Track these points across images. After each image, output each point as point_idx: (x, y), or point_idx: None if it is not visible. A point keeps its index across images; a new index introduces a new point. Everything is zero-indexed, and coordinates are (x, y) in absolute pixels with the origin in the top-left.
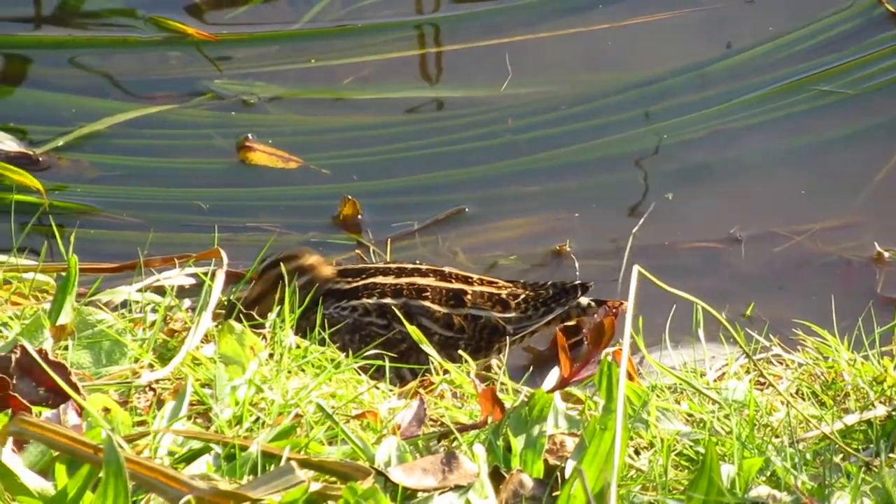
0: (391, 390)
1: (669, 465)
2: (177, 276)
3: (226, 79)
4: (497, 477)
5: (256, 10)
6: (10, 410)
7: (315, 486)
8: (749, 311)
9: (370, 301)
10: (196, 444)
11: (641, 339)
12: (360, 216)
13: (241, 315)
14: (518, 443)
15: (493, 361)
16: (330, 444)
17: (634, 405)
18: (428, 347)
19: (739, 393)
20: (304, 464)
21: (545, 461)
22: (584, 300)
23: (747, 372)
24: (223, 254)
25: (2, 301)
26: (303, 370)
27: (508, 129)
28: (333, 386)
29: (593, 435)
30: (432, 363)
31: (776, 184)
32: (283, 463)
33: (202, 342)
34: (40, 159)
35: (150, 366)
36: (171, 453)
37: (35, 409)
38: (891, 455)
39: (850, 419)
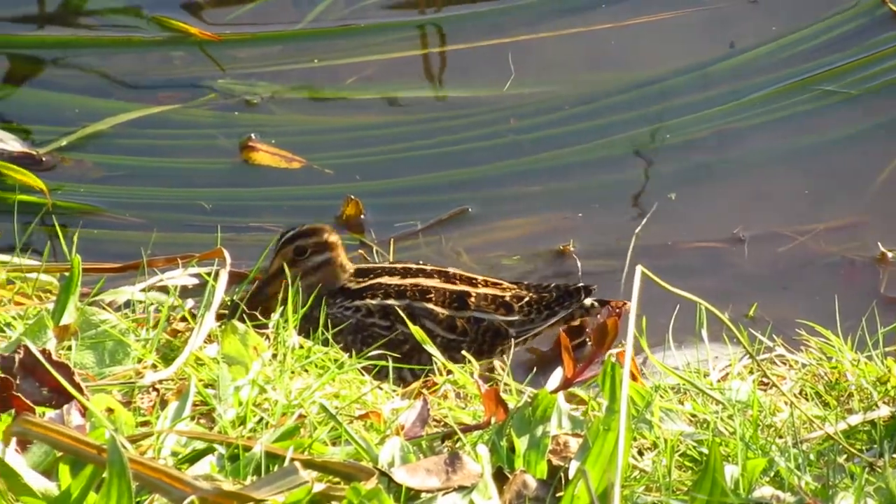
0: (394, 391)
1: (673, 465)
2: (180, 277)
3: (229, 78)
4: (500, 477)
5: (259, 9)
6: (13, 411)
7: (319, 487)
8: (752, 312)
9: (373, 302)
10: (199, 445)
11: (645, 339)
12: (363, 216)
13: (244, 315)
14: (521, 443)
15: (496, 362)
16: (333, 444)
17: (638, 406)
18: (431, 348)
19: (743, 393)
20: (308, 464)
21: (549, 462)
22: (587, 301)
23: (751, 372)
24: (226, 254)
25: (5, 301)
26: (306, 370)
27: (511, 128)
28: (337, 386)
29: (597, 435)
30: (435, 364)
31: (779, 184)
32: (286, 463)
33: (205, 342)
34: (44, 159)
35: (154, 366)
36: (174, 454)
37: (38, 409)
38: (894, 455)
39: (854, 419)
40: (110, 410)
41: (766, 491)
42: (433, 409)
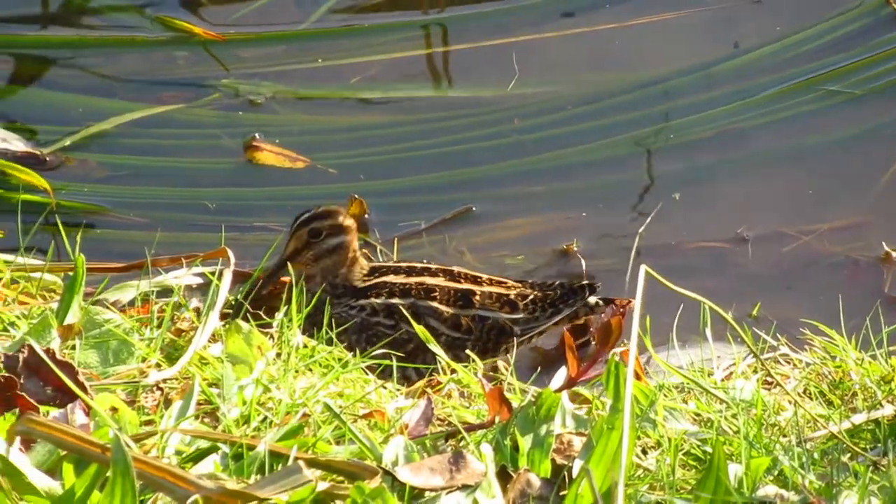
0: (398, 390)
1: (677, 464)
2: (184, 276)
3: (233, 78)
4: (504, 476)
5: (263, 9)
6: (17, 410)
7: (322, 486)
8: (756, 311)
9: (378, 301)
10: (203, 444)
11: (649, 338)
12: (367, 215)
13: (248, 314)
14: (525, 442)
15: (500, 362)
16: (337, 443)
17: (642, 405)
18: (435, 347)
19: (747, 392)
20: (312, 463)
21: (552, 460)
22: (591, 299)
23: (755, 371)
24: (230, 253)
25: (9, 300)
26: (310, 370)
27: (515, 128)
28: (341, 385)
29: (601, 434)
30: (439, 363)
31: (783, 183)
32: (290, 462)
33: (209, 342)
34: (47, 159)
35: (158, 365)
36: (178, 453)
37: (43, 408)
38: None
39: (858, 418)
40: (114, 409)
41: (769, 490)
42: (437, 408)
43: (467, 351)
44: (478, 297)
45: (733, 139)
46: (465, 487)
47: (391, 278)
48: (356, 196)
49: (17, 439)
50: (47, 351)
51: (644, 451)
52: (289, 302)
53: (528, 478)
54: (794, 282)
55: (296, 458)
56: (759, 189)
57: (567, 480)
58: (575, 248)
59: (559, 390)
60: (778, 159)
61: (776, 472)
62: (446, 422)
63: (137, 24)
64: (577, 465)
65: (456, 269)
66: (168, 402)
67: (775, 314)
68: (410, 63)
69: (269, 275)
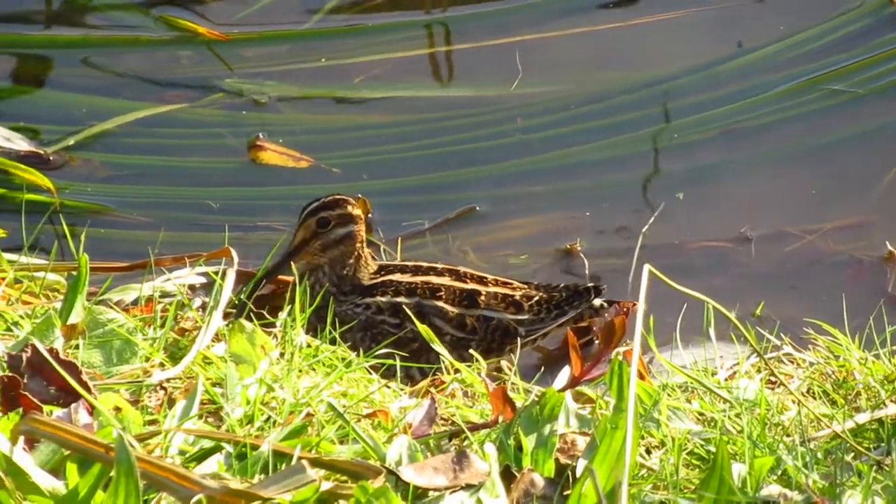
0: (402, 389)
1: (680, 463)
2: (187, 276)
3: (237, 78)
4: (508, 476)
5: (267, 9)
6: (21, 409)
7: (326, 485)
8: (759, 311)
9: (383, 299)
10: (207, 443)
11: (652, 338)
12: (370, 215)
13: (251, 314)
14: (529, 442)
15: (504, 362)
16: (341, 443)
17: (645, 404)
18: (439, 347)
19: (750, 392)
20: (315, 463)
21: (556, 460)
22: (597, 301)
23: (758, 371)
24: (234, 253)
25: (13, 300)
26: (314, 369)
27: (518, 128)
28: (344, 385)
29: (604, 434)
30: (443, 362)
31: (787, 183)
32: (294, 462)
33: (213, 341)
34: (51, 158)
35: (161, 365)
36: (182, 452)
37: (46, 408)
38: None
39: (862, 418)
40: (118, 409)
41: (773, 489)
42: (441, 408)
43: (471, 351)
44: (483, 298)
45: (737, 138)
46: (468, 487)
47: (397, 277)
48: (360, 195)
49: (21, 439)
50: (51, 350)
51: (648, 451)
52: (292, 301)
53: (531, 477)
54: (797, 281)
55: (299, 458)
56: (762, 188)
57: (571, 480)
58: (578, 248)
59: (563, 390)
60: (781, 159)
61: (780, 472)
62: (450, 421)
63: (141, 23)
64: (581, 464)
65: (462, 269)
66: (172, 402)
67: (779, 313)
68: (414, 62)
69: (276, 266)
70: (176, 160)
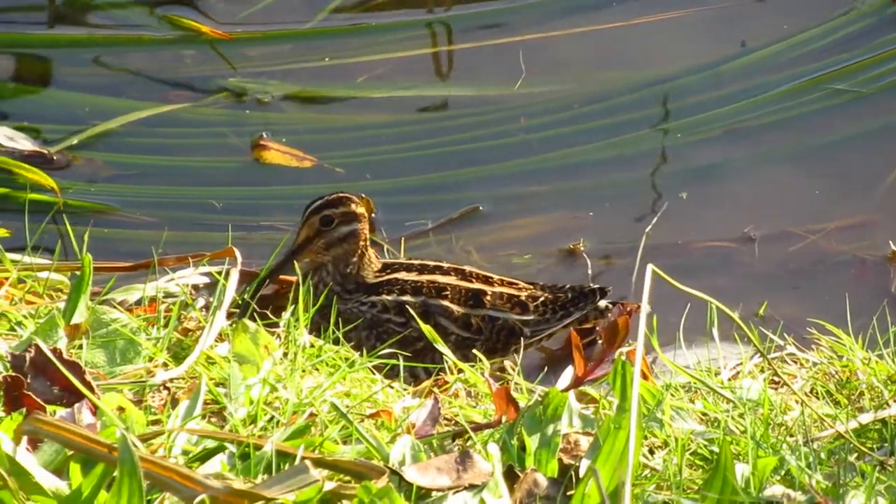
0: (405, 389)
1: (684, 464)
2: (191, 275)
3: (240, 77)
4: (511, 476)
5: (270, 8)
6: (24, 409)
7: (329, 486)
8: (763, 311)
9: (389, 298)
10: (210, 444)
11: (655, 338)
12: (374, 215)
13: (255, 314)
14: (532, 442)
15: (507, 362)
16: (344, 443)
17: (649, 404)
18: (442, 347)
19: (754, 392)
20: (319, 463)
21: (559, 460)
22: (602, 303)
23: (762, 371)
24: (237, 252)
25: (16, 300)
26: (317, 369)
27: (521, 127)
28: (348, 385)
29: (608, 434)
30: (447, 362)
31: (790, 183)
32: (297, 462)
33: (216, 341)
34: (54, 158)
35: (165, 365)
36: (185, 452)
37: (49, 408)
38: None
39: (865, 418)
40: (121, 409)
41: (776, 489)
42: (444, 408)
43: (474, 351)
44: (489, 298)
45: (740, 138)
46: (471, 487)
47: (403, 275)
48: (363, 195)
49: (24, 439)
50: (54, 350)
51: (651, 451)
52: (296, 301)
53: (534, 477)
54: (800, 281)
55: (303, 458)
56: (765, 188)
57: (574, 480)
58: (582, 248)
59: (566, 390)
60: (785, 158)
61: (783, 472)
62: (453, 421)
63: (144, 22)
64: (584, 464)
65: (468, 268)
66: (175, 402)
67: (782, 313)
68: (417, 62)
69: (279, 265)
70: (179, 160)
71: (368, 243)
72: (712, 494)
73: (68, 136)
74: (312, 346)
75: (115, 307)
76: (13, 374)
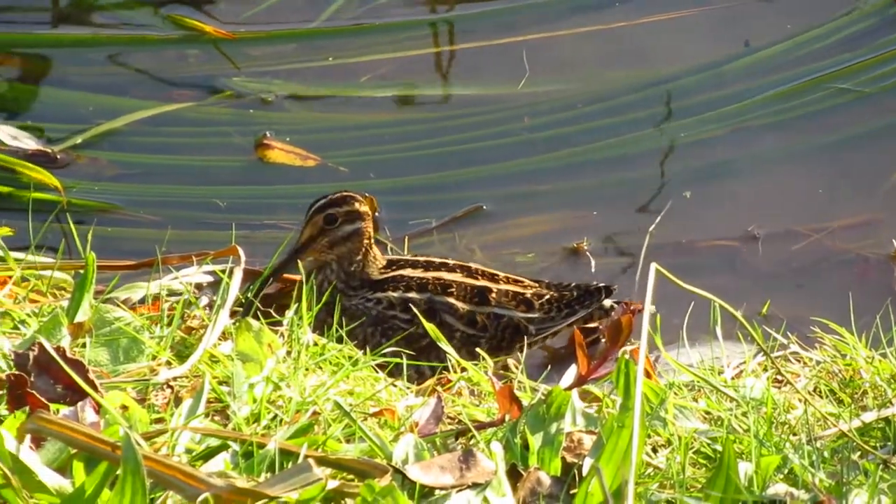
0: (408, 388)
1: (687, 462)
2: (194, 274)
3: (244, 76)
4: (514, 474)
5: (274, 8)
6: (28, 408)
7: (332, 484)
8: (766, 309)
9: (395, 294)
10: (214, 442)
11: (659, 336)
12: (377, 213)
13: (258, 312)
14: (535, 440)
15: (510, 360)
16: (347, 441)
17: (652, 403)
18: (446, 345)
19: (757, 391)
20: (322, 461)
21: (563, 459)
22: (607, 302)
23: (765, 370)
24: (241, 251)
25: (20, 298)
26: (320, 367)
27: (525, 127)
28: (351, 383)
29: (611, 432)
30: (450, 361)
31: (794, 181)
32: (300, 460)
33: (220, 340)
34: (58, 157)
35: (168, 363)
36: (188, 451)
37: (53, 406)
38: None
39: (868, 417)
40: (124, 407)
41: (779, 488)
42: (447, 407)
43: (478, 349)
44: (494, 295)
45: (744, 137)
46: (475, 486)
47: (409, 272)
48: (366, 194)
49: (28, 437)
50: (58, 349)
51: (654, 450)
52: (299, 299)
53: (538, 476)
54: (804, 280)
55: (306, 457)
56: (769, 187)
57: (577, 479)
58: (585, 247)
59: (569, 388)
60: (788, 157)
61: (786, 471)
62: (456, 420)
63: (148, 22)
64: (588, 463)
65: (473, 265)
66: (178, 400)
67: (785, 312)
68: (421, 61)
69: (283, 263)
70: (183, 159)
71: (372, 241)
72: (716, 493)
73: (72, 136)
74: (316, 344)
75: (118, 306)
76: (17, 372)
